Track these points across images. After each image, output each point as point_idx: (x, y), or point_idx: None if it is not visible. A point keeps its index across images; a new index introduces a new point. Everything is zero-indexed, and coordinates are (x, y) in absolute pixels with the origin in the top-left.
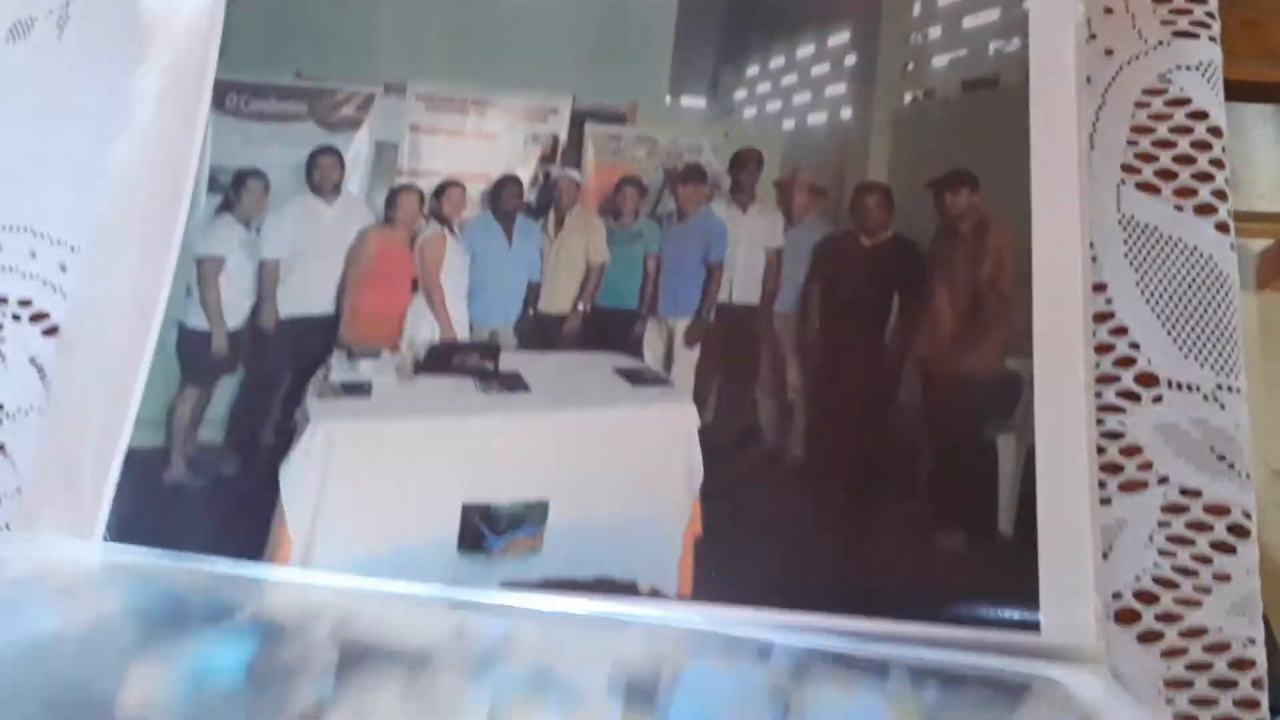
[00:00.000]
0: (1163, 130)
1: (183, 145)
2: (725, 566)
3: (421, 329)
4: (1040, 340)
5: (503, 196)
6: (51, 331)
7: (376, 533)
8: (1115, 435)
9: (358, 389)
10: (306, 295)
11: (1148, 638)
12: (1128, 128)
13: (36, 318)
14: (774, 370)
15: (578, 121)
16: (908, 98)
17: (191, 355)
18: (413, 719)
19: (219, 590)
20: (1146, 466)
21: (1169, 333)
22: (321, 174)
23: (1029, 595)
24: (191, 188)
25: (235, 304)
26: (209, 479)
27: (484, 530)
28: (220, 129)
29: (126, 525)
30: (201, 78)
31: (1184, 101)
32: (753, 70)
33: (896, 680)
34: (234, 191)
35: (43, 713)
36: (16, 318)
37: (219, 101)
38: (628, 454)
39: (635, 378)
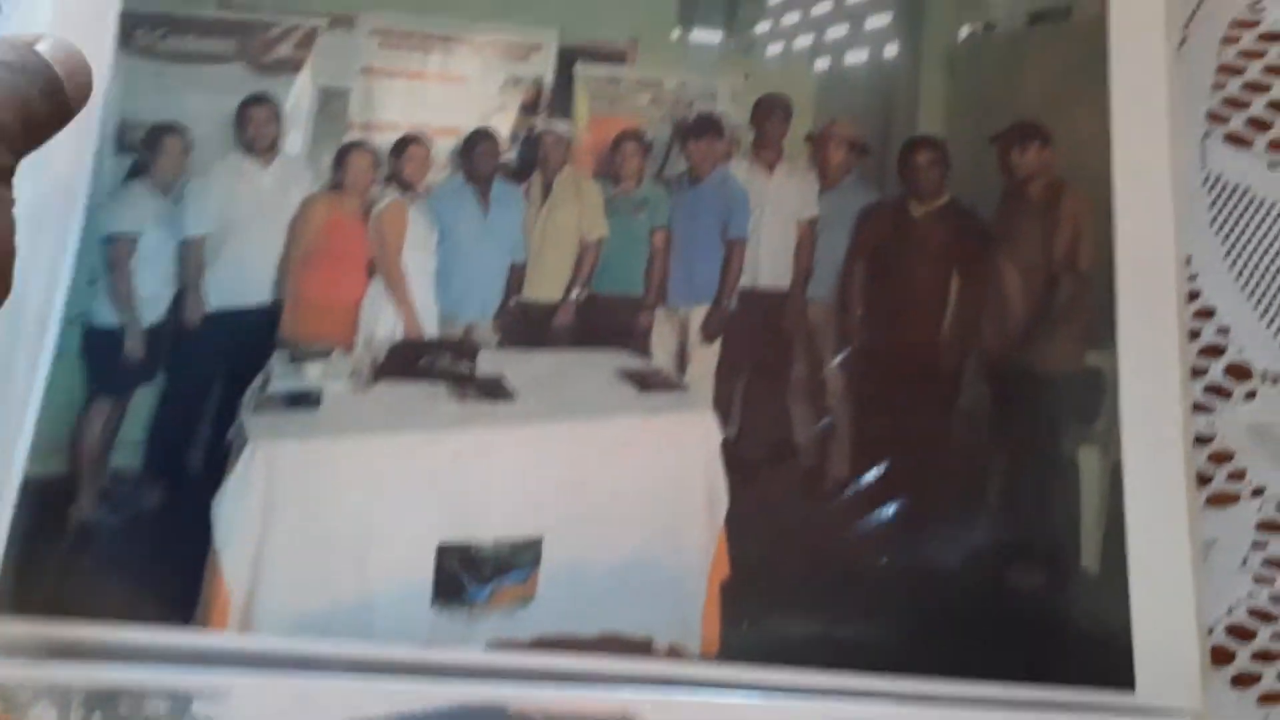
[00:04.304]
0: (1254, 70)
1: None
2: (759, 616)
3: (381, 323)
4: (1126, 329)
5: (476, 155)
6: None
7: (333, 583)
8: (1203, 440)
9: (304, 399)
10: (239, 281)
11: (1242, 681)
12: (1213, 68)
13: None
14: (810, 370)
15: (566, 61)
16: (964, 31)
17: (100, 360)
18: None
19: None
20: (1239, 476)
21: (1264, 315)
22: (254, 129)
23: (1120, 644)
24: (95, 148)
25: (153, 294)
26: (125, 515)
27: (464, 577)
28: (129, 73)
29: (21, 580)
30: (105, 8)
31: None
32: None
33: None
34: (147, 151)
35: None
36: None
37: (127, 38)
38: (636, 476)
39: (642, 381)
